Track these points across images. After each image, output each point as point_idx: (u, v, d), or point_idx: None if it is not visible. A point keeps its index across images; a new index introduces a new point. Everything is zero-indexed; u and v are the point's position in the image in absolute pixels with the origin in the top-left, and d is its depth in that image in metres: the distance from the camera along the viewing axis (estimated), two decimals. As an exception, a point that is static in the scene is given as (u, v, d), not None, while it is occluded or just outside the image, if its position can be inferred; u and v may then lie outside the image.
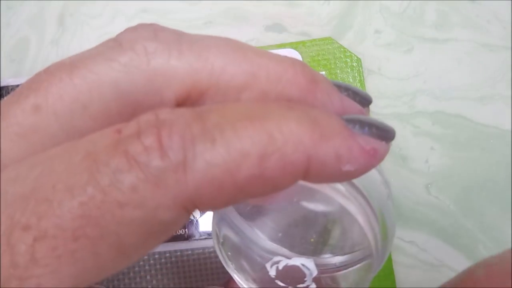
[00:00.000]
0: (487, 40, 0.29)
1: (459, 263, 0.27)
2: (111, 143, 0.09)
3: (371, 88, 0.28)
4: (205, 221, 0.25)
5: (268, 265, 0.14)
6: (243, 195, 0.10)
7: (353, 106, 0.12)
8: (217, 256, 0.26)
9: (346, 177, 0.11)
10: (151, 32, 0.11)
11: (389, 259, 0.26)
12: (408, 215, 0.27)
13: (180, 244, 0.26)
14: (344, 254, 0.14)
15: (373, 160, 0.10)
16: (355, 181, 0.13)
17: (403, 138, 0.28)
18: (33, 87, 0.11)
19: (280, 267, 0.14)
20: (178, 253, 0.26)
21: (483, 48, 0.29)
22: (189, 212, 0.10)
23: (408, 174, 0.28)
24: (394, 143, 0.30)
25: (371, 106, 0.31)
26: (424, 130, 0.28)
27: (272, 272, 0.14)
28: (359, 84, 0.28)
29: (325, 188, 0.13)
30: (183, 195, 0.09)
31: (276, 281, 0.14)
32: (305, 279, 0.14)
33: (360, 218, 0.13)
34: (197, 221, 0.25)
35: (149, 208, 0.09)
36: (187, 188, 0.09)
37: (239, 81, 0.11)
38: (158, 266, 0.26)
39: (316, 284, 0.14)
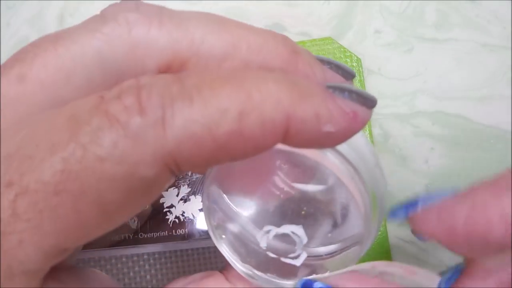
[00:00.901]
0: (487, 40, 0.29)
1: (459, 263, 0.27)
2: (93, 106, 0.09)
3: (371, 88, 0.28)
4: (204, 221, 0.25)
5: (258, 237, 0.14)
6: (224, 154, 0.10)
7: (336, 78, 0.12)
8: (216, 256, 0.26)
9: (328, 139, 0.11)
10: (133, 5, 0.11)
11: (389, 259, 0.26)
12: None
13: (180, 244, 0.26)
14: (335, 242, 0.14)
15: (354, 123, 0.11)
16: (343, 151, 0.13)
17: (403, 138, 0.28)
18: (19, 58, 0.11)
19: (271, 237, 0.14)
20: (178, 253, 0.26)
21: (483, 48, 0.29)
22: (172, 171, 0.10)
23: (408, 174, 0.28)
24: (394, 143, 0.30)
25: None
26: (424, 130, 0.28)
27: (263, 244, 0.14)
28: (359, 84, 0.28)
29: (313, 155, 0.13)
30: (163, 151, 0.09)
31: (268, 253, 0.14)
32: (296, 247, 0.14)
33: (350, 186, 0.13)
34: (196, 220, 0.25)
35: (130, 164, 0.09)
36: (167, 144, 0.09)
37: (220, 50, 0.11)
38: (158, 266, 0.26)
39: (306, 267, 0.14)
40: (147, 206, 0.25)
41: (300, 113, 0.10)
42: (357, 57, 0.28)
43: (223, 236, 0.15)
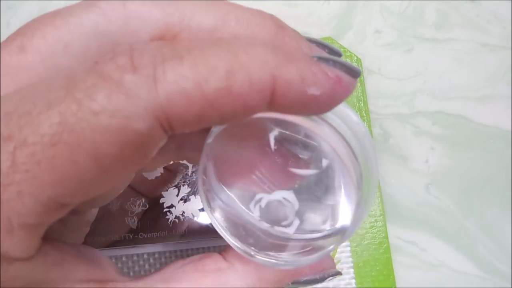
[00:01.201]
0: (487, 40, 0.29)
1: (459, 263, 0.27)
2: (89, 68, 0.10)
3: (371, 88, 0.29)
4: (204, 221, 0.25)
5: (251, 206, 0.14)
6: (213, 111, 0.10)
7: (321, 53, 0.13)
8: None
9: (314, 103, 0.11)
10: None
11: (389, 259, 0.26)
12: (408, 215, 0.27)
13: (180, 244, 0.26)
14: (327, 219, 0.14)
15: (339, 87, 0.11)
16: (333, 124, 0.13)
17: (403, 138, 0.28)
18: (20, 32, 0.12)
19: (263, 205, 0.14)
20: (178, 253, 0.26)
21: (483, 48, 0.29)
22: (164, 129, 0.10)
23: (408, 174, 0.28)
24: (394, 143, 0.30)
25: (371, 107, 0.31)
26: (424, 130, 0.28)
27: (256, 213, 0.14)
28: (359, 84, 0.28)
29: (306, 125, 0.13)
30: (154, 105, 0.10)
31: (261, 223, 0.14)
32: (288, 214, 0.14)
33: (344, 159, 0.13)
34: (196, 220, 0.25)
35: (123, 117, 0.10)
36: (158, 98, 0.10)
37: (209, 24, 0.12)
38: (158, 266, 0.26)
39: (299, 241, 0.14)
40: (143, 201, 0.25)
41: (286, 74, 0.10)
42: (357, 57, 0.28)
43: (221, 218, 0.15)
